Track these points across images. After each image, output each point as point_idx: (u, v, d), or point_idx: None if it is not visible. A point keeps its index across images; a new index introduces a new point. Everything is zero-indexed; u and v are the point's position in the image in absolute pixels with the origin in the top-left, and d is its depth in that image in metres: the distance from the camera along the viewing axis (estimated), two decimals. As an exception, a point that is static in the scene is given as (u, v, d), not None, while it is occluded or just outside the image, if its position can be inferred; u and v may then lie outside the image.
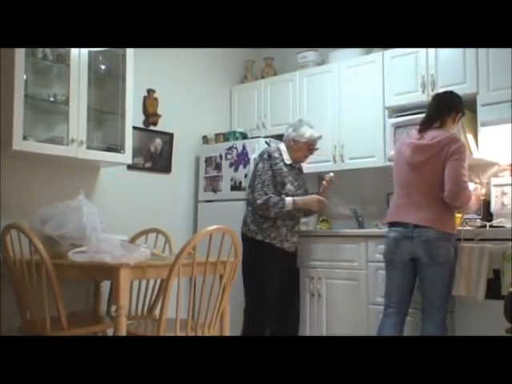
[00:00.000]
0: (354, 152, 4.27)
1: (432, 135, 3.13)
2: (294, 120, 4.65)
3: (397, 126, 3.92)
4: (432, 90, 3.78)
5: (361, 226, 4.36)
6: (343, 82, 4.39)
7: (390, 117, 4.08)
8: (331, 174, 3.85)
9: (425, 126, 3.19)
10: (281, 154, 3.77)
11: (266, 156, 3.71)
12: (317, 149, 3.90)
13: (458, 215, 3.27)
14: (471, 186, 3.21)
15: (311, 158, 4.50)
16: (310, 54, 4.73)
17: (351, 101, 4.33)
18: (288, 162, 3.78)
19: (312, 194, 3.85)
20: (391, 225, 3.25)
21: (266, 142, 4.42)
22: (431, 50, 3.87)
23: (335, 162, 4.40)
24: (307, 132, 3.79)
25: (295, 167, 3.91)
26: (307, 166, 4.55)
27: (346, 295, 3.87)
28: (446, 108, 3.20)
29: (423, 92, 3.87)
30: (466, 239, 3.16)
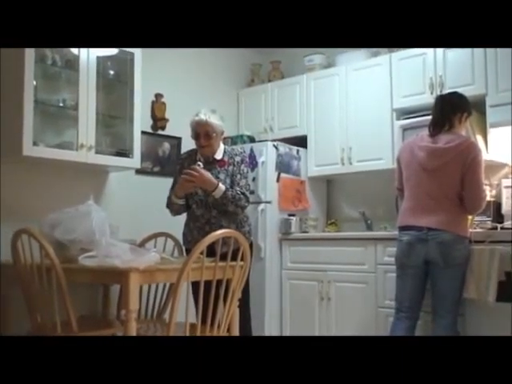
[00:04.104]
0: (362, 155, 4.27)
1: (447, 139, 3.11)
2: (300, 123, 4.69)
3: (405, 128, 3.92)
4: (440, 92, 3.76)
5: (369, 228, 4.36)
6: (350, 84, 4.40)
7: (397, 119, 4.08)
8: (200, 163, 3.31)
9: (435, 130, 3.18)
10: (194, 152, 3.49)
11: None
12: (200, 133, 3.35)
13: (469, 217, 3.25)
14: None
15: (319, 160, 4.53)
16: (317, 57, 4.72)
17: (358, 103, 4.33)
18: (199, 157, 3.42)
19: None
20: (403, 228, 3.22)
21: (274, 146, 4.43)
22: (439, 52, 3.87)
23: (343, 164, 4.39)
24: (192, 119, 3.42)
25: (209, 161, 3.40)
26: (316, 170, 4.57)
27: (355, 298, 3.86)
28: (451, 109, 3.20)
29: (431, 93, 3.85)
30: (476, 241, 3.15)
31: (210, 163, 3.39)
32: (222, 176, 3.35)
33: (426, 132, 3.25)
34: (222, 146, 3.47)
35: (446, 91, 3.65)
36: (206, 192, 3.30)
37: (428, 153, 3.13)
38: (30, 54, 3.24)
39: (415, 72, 3.99)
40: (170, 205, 3.45)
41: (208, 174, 3.24)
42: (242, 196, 3.32)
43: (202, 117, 3.34)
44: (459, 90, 3.41)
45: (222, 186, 3.24)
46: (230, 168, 3.39)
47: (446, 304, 3.08)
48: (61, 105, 3.55)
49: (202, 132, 3.34)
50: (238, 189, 3.32)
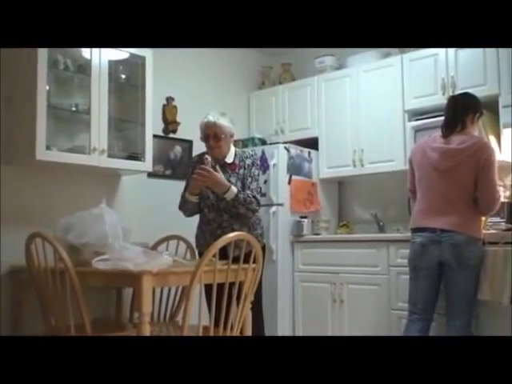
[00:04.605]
0: (374, 156, 4.26)
1: (459, 139, 3.10)
2: (311, 125, 4.68)
3: (417, 129, 3.90)
4: (452, 92, 3.74)
5: (381, 230, 4.34)
6: (361, 86, 4.39)
7: (409, 120, 4.06)
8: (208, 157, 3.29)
9: (448, 131, 3.17)
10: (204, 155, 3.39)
11: None
12: (209, 135, 3.35)
13: (483, 218, 3.23)
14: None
15: (331, 162, 4.52)
16: (328, 59, 4.72)
17: (370, 105, 4.32)
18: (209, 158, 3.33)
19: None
20: (416, 230, 3.21)
21: (285, 148, 4.43)
22: (451, 52, 3.85)
23: (355, 166, 4.39)
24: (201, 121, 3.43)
25: (221, 164, 3.40)
26: (327, 171, 4.57)
27: (367, 300, 3.85)
28: (463, 110, 3.18)
29: (443, 94, 3.83)
30: (490, 243, 3.12)
31: (221, 167, 3.39)
32: (233, 180, 3.34)
33: (438, 133, 3.23)
34: (232, 149, 3.47)
35: (458, 92, 3.63)
36: (217, 196, 3.31)
37: (441, 154, 3.12)
38: (42, 59, 3.27)
39: (427, 73, 3.97)
40: (183, 204, 3.45)
41: (219, 175, 3.24)
42: (253, 199, 3.31)
43: (211, 118, 3.36)
44: (471, 91, 3.40)
45: (233, 189, 3.24)
46: (241, 171, 3.40)
47: (459, 306, 3.06)
48: (73, 109, 3.57)
49: (211, 134, 3.35)
50: (249, 192, 3.32)
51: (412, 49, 4.08)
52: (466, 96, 3.28)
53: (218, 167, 3.34)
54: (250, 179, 3.37)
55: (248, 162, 3.42)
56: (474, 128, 3.23)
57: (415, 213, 3.26)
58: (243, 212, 3.32)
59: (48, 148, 3.31)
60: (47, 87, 3.32)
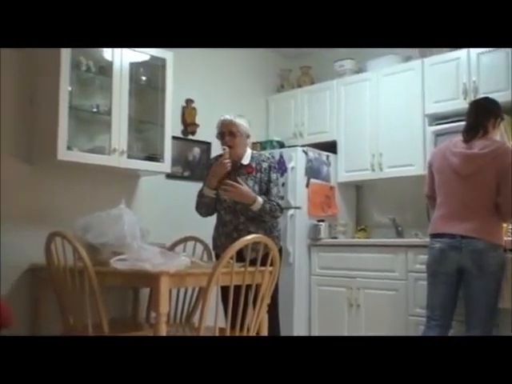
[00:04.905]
0: (393, 160, 4.24)
1: (481, 144, 3.08)
2: (330, 129, 4.68)
3: (438, 134, 3.87)
4: (474, 97, 3.71)
5: (400, 235, 4.31)
6: (381, 90, 4.37)
7: (430, 124, 4.03)
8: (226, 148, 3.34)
9: (470, 136, 3.14)
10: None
11: None
12: (224, 133, 3.38)
13: (504, 225, 3.20)
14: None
15: (349, 166, 4.50)
16: (348, 63, 4.71)
17: (389, 109, 4.30)
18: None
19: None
20: (435, 236, 3.18)
21: (304, 151, 4.42)
22: (473, 57, 3.82)
23: (373, 170, 4.37)
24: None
25: (237, 166, 3.41)
26: (345, 175, 4.55)
27: (384, 305, 3.83)
28: (486, 115, 3.17)
29: (465, 99, 3.80)
30: (511, 250, 3.09)
31: (238, 168, 3.40)
32: (250, 183, 3.35)
33: (459, 138, 3.21)
34: (248, 151, 3.48)
35: (480, 96, 3.60)
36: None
37: (462, 158, 3.09)
38: (65, 60, 3.31)
39: (448, 77, 3.95)
40: (199, 204, 3.47)
41: (245, 188, 3.26)
42: (277, 207, 3.34)
43: (228, 116, 3.40)
44: (493, 95, 3.38)
45: (259, 200, 3.26)
46: (258, 175, 3.40)
47: (479, 313, 3.02)
48: (94, 110, 3.61)
49: (227, 131, 3.37)
50: (272, 199, 3.33)
51: (433, 53, 4.05)
52: (488, 101, 3.26)
53: (245, 179, 3.35)
54: (271, 184, 3.38)
55: (265, 165, 3.42)
56: (495, 133, 3.20)
57: (435, 218, 3.23)
58: (268, 220, 3.36)
59: (69, 148, 3.34)
60: (69, 88, 3.36)
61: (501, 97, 3.38)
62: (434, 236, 3.20)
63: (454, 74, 3.93)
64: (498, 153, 3.02)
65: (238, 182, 3.26)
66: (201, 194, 3.45)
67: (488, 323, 3.02)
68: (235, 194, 3.23)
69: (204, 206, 3.46)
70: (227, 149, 3.29)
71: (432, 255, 3.19)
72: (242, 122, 3.40)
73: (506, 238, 3.15)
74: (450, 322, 3.17)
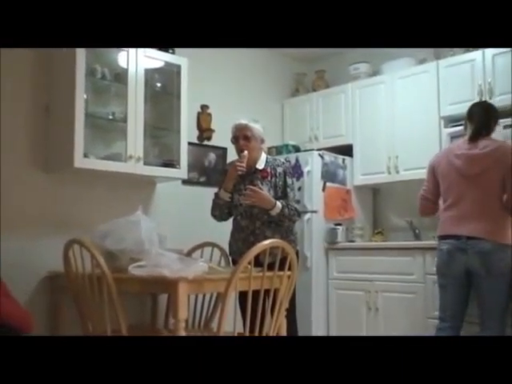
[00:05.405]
0: (409, 163, 4.22)
1: (482, 144, 3.11)
2: (346, 132, 4.66)
3: (453, 136, 3.84)
4: (490, 98, 3.69)
5: (417, 237, 4.28)
6: (396, 92, 4.36)
7: (445, 126, 4.01)
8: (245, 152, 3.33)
9: (476, 137, 3.16)
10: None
11: None
12: (239, 137, 3.38)
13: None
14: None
15: (365, 169, 4.48)
16: (362, 66, 4.71)
17: (405, 111, 4.28)
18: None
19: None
20: (443, 237, 3.20)
21: (320, 155, 4.41)
22: (488, 58, 3.80)
23: (390, 173, 4.35)
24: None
25: (252, 171, 3.42)
26: (361, 178, 4.53)
27: (403, 309, 3.81)
28: (493, 117, 3.22)
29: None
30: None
31: (253, 173, 3.41)
32: (265, 187, 3.35)
33: (461, 140, 3.26)
34: (263, 156, 3.48)
35: (496, 98, 3.59)
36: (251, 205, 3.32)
37: (466, 160, 3.12)
38: (80, 68, 3.33)
39: (463, 79, 3.93)
40: (215, 207, 3.48)
41: (265, 193, 3.28)
42: (295, 212, 3.35)
43: (242, 121, 3.42)
44: (510, 96, 3.41)
45: (279, 204, 3.27)
46: (273, 179, 3.40)
47: (491, 315, 3.03)
48: (110, 117, 3.63)
49: (241, 135, 3.39)
50: (290, 203, 3.33)
51: (448, 55, 4.03)
52: (490, 104, 3.33)
53: (260, 184, 3.36)
54: (287, 189, 3.38)
55: (279, 170, 3.42)
56: (492, 134, 3.23)
57: (443, 220, 3.25)
58: (287, 224, 3.37)
59: (85, 156, 3.36)
60: (85, 96, 3.38)
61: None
62: (441, 238, 3.23)
63: (469, 75, 3.91)
64: (500, 151, 3.05)
65: (254, 186, 3.28)
66: (216, 196, 3.48)
67: (500, 324, 3.02)
68: (256, 200, 3.24)
69: (218, 209, 3.47)
70: (246, 153, 3.30)
71: (440, 257, 3.22)
72: (256, 127, 3.41)
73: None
74: (461, 323, 3.18)
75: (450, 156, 3.22)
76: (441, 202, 3.32)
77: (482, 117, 3.21)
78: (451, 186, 3.20)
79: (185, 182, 4.20)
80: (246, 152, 3.31)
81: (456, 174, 3.16)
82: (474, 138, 3.16)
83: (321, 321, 4.27)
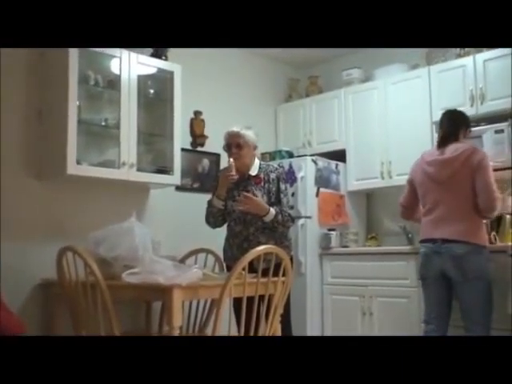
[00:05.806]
0: (402, 168, 4.20)
1: (452, 149, 3.20)
2: (339, 137, 4.67)
3: (446, 141, 3.86)
4: (481, 104, 3.73)
5: (411, 242, 4.29)
6: (389, 98, 4.37)
7: (437, 131, 4.01)
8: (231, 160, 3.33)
9: (443, 143, 3.26)
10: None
11: None
12: (231, 144, 3.37)
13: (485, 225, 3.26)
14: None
15: (359, 174, 4.49)
16: (355, 71, 4.72)
17: (397, 117, 4.30)
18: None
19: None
20: (422, 241, 3.29)
21: (313, 160, 4.42)
22: (479, 63, 3.82)
23: (383, 178, 4.36)
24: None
25: (245, 177, 3.42)
26: (355, 184, 4.54)
27: (397, 313, 3.81)
28: (461, 124, 3.31)
29: (472, 106, 3.81)
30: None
31: (246, 179, 3.41)
32: (258, 193, 3.35)
33: (433, 148, 3.38)
34: (256, 162, 3.48)
35: (488, 103, 3.61)
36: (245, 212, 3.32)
37: (437, 166, 3.21)
38: (73, 74, 3.33)
39: (455, 84, 3.95)
40: (209, 215, 3.47)
41: (259, 200, 3.28)
42: (289, 218, 3.35)
43: (235, 128, 3.41)
44: (501, 102, 3.46)
45: (272, 211, 3.27)
46: (266, 185, 3.40)
47: (473, 317, 3.06)
48: (103, 124, 3.62)
49: (234, 143, 3.38)
50: (284, 209, 3.33)
51: (440, 61, 4.06)
52: (458, 112, 3.40)
53: (254, 190, 3.35)
54: (280, 194, 3.38)
55: (273, 176, 3.42)
56: (464, 140, 3.30)
57: (423, 224, 3.32)
58: (280, 230, 3.37)
59: (78, 162, 3.35)
60: (78, 102, 3.37)
61: (508, 103, 3.37)
62: (421, 242, 3.31)
63: (460, 81, 3.93)
64: (467, 154, 3.12)
65: (248, 192, 3.27)
66: (209, 204, 3.47)
67: (484, 326, 3.03)
68: (250, 206, 3.24)
69: (212, 216, 3.47)
70: (232, 161, 3.30)
71: (419, 261, 3.31)
72: (248, 134, 3.40)
73: (509, 243, 3.22)
74: (446, 326, 3.21)
75: (422, 164, 3.32)
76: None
77: (449, 124, 3.31)
78: (427, 192, 3.28)
79: (178, 188, 4.20)
80: (231, 160, 3.30)
81: (429, 180, 3.25)
82: (441, 144, 3.26)
83: (315, 326, 4.27)
